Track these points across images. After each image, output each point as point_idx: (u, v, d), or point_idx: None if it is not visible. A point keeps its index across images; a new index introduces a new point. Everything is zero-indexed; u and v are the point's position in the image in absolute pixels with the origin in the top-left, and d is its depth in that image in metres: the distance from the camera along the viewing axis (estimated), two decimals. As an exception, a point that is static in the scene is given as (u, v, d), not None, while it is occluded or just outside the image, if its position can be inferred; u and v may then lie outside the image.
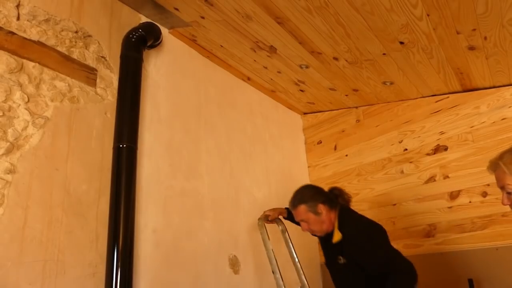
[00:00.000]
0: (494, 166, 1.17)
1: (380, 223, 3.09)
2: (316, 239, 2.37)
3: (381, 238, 1.98)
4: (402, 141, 3.09)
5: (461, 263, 2.61)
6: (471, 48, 2.34)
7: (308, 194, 2.05)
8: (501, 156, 1.17)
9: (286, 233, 2.39)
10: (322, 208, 1.99)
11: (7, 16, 1.80)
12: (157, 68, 2.51)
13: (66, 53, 2.01)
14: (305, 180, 3.52)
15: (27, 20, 1.88)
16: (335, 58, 2.66)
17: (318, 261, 3.26)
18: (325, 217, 2.00)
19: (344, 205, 2.12)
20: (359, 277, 1.91)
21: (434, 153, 2.89)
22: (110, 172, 2.00)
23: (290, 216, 2.38)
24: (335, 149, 3.49)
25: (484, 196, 2.60)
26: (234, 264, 2.58)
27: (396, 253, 2.02)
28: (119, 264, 1.81)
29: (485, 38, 2.22)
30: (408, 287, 1.86)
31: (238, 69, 3.10)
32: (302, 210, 2.03)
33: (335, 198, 2.11)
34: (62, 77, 1.95)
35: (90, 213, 1.91)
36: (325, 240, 2.11)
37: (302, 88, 3.22)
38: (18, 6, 1.85)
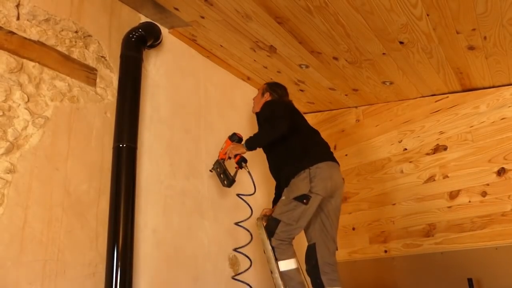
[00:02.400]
0: None
1: (379, 222, 3.15)
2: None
3: (274, 104, 2.38)
4: (401, 140, 3.10)
5: (460, 263, 2.61)
6: (471, 48, 2.34)
7: (276, 84, 2.64)
8: None
9: (286, 232, 2.39)
10: (267, 95, 2.54)
11: (7, 16, 1.80)
12: (157, 68, 2.51)
13: (66, 53, 2.01)
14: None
15: (27, 20, 1.88)
16: (335, 58, 2.66)
17: (317, 260, 3.26)
18: (263, 102, 2.49)
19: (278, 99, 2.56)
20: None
21: (434, 153, 2.89)
22: (110, 172, 2.00)
23: None
24: (334, 148, 3.49)
25: (484, 196, 2.60)
26: (234, 264, 2.58)
27: (282, 112, 2.24)
28: (119, 264, 1.81)
29: (485, 38, 2.22)
30: (262, 137, 2.23)
31: (238, 69, 3.10)
32: (263, 86, 2.65)
33: (281, 97, 2.56)
34: (62, 76, 1.95)
35: (90, 212, 1.91)
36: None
37: (302, 88, 3.22)
38: (18, 5, 1.85)
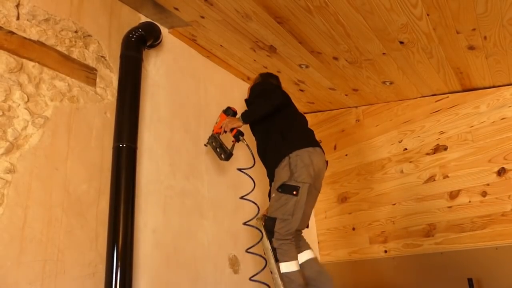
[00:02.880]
0: None
1: (380, 222, 3.16)
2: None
3: (264, 83, 2.46)
4: (401, 140, 3.10)
5: (460, 263, 2.61)
6: (471, 47, 2.34)
7: (269, 74, 2.66)
8: None
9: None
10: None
11: (7, 16, 1.79)
12: (157, 68, 2.51)
13: (66, 52, 2.01)
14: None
15: (27, 20, 1.88)
16: (335, 58, 2.66)
17: (317, 260, 3.26)
18: None
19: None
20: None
21: (434, 153, 2.89)
22: (110, 172, 2.00)
23: None
24: (334, 148, 3.49)
25: (484, 196, 2.60)
26: (234, 264, 2.58)
27: (273, 87, 2.36)
28: (119, 264, 1.81)
29: (485, 37, 2.22)
30: (257, 109, 2.22)
31: (238, 69, 3.10)
32: (256, 76, 2.66)
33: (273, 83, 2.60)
34: (61, 76, 1.95)
35: (90, 212, 1.91)
36: None
37: (302, 87, 3.22)
38: (18, 5, 1.85)
